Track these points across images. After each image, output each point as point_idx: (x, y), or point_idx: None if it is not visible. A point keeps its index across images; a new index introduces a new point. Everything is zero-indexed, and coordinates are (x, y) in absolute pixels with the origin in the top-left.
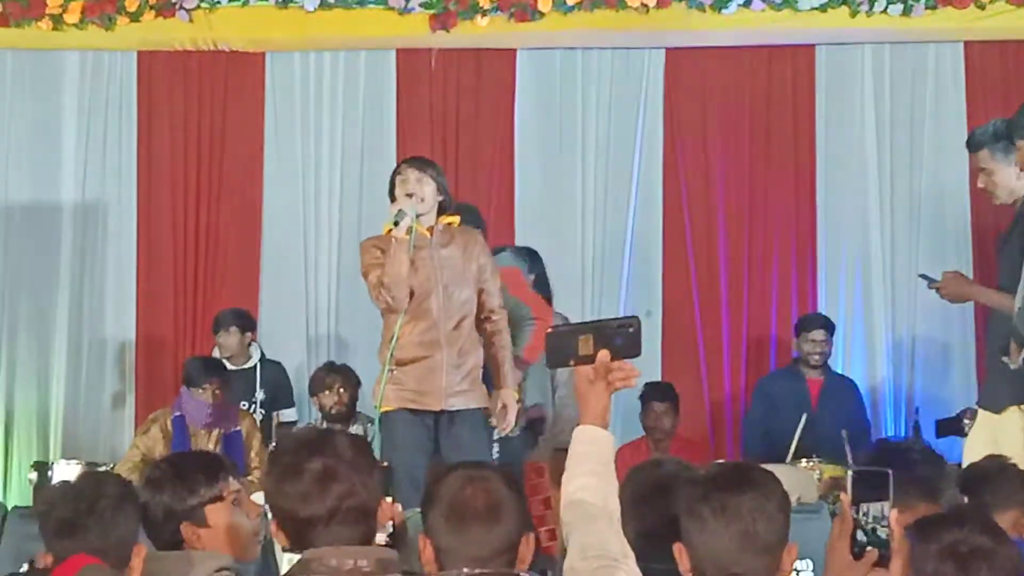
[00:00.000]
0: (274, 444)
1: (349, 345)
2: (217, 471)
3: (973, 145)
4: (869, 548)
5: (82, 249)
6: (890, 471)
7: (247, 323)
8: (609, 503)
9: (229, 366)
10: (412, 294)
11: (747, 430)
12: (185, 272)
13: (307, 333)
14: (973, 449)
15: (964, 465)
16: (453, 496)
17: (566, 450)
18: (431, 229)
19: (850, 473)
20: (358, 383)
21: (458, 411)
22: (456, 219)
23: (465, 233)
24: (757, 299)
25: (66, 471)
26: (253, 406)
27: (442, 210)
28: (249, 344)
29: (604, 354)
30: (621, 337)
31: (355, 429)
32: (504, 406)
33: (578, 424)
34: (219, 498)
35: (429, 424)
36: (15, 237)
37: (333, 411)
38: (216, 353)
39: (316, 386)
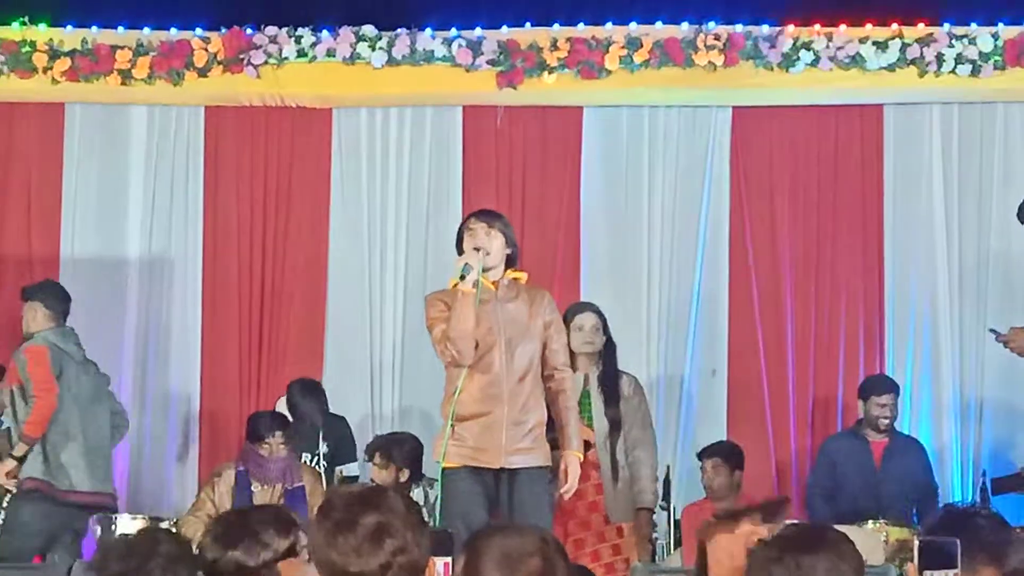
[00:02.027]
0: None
1: (414, 400)
2: (289, 524)
3: None
4: None
5: (147, 304)
6: (957, 540)
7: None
8: None
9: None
10: (476, 345)
11: (811, 491)
12: (250, 327)
13: (371, 387)
14: None
15: None
16: (506, 561)
17: (647, 509)
18: (496, 283)
19: (917, 541)
20: (413, 455)
21: (518, 470)
22: (524, 275)
23: (533, 290)
24: (824, 359)
25: (130, 526)
26: (316, 458)
27: (510, 263)
28: None
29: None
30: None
31: (416, 492)
32: (566, 469)
33: None
34: (293, 552)
35: (489, 482)
36: (81, 291)
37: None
38: (281, 406)
39: (368, 454)
